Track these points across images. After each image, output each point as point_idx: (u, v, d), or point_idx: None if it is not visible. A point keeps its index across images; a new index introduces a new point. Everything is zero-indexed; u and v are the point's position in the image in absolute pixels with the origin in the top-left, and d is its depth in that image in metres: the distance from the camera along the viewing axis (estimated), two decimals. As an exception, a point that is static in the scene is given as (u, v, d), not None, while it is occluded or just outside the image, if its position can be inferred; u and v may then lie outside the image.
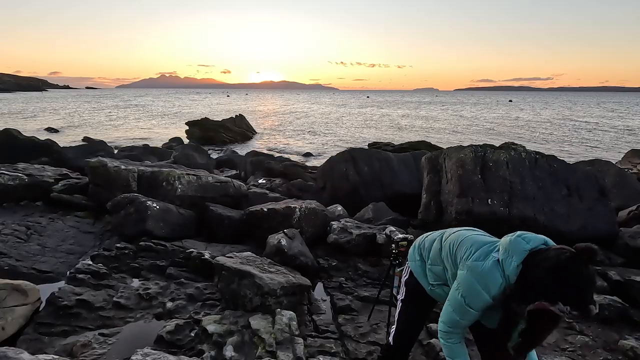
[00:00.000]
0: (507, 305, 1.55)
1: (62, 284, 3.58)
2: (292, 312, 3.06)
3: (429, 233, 2.09)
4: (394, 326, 2.12)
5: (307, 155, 18.58)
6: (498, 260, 1.59)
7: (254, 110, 56.48)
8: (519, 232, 1.63)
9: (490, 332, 1.74)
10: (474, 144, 5.31)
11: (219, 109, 56.03)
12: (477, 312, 1.64)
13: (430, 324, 3.07)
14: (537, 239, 1.57)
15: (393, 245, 3.04)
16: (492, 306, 1.61)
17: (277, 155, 15.12)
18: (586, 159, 9.82)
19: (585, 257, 1.39)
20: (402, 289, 2.11)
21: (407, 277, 2.08)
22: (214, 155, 14.25)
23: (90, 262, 3.80)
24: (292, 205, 5.04)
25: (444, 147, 8.70)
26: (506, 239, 1.63)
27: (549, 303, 1.39)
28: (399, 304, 2.11)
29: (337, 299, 3.69)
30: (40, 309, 3.13)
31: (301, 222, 4.90)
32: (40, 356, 2.21)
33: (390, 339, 2.13)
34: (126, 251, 4.18)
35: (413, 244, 2.12)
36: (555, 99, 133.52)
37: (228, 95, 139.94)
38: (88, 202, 5.72)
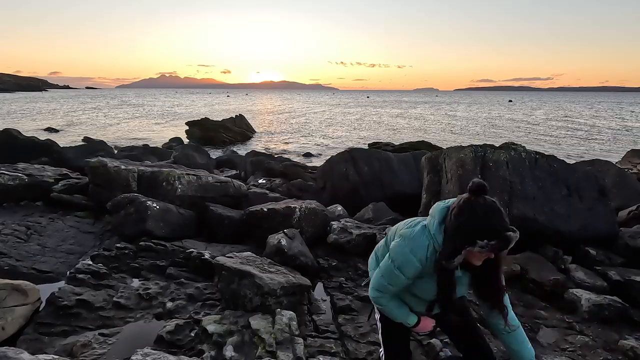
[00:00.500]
0: (439, 266, 1.57)
1: (62, 284, 3.57)
2: (292, 312, 3.06)
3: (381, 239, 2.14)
4: (382, 350, 2.07)
5: (307, 155, 18.57)
6: (425, 225, 1.65)
7: (254, 110, 56.48)
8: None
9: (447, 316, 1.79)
10: (474, 144, 5.31)
11: (219, 109, 56.04)
12: (406, 278, 1.66)
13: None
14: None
15: (393, 245, 3.04)
16: (424, 274, 1.63)
17: (277, 155, 15.13)
18: (586, 159, 9.82)
19: (474, 190, 1.46)
20: (376, 309, 2.07)
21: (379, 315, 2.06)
22: (214, 155, 14.25)
23: (90, 262, 3.80)
24: (292, 205, 5.04)
25: (444, 147, 8.70)
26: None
27: (470, 246, 1.43)
28: (379, 327, 2.07)
29: (337, 299, 3.69)
30: (40, 309, 3.13)
31: (301, 222, 4.90)
32: (40, 356, 2.21)
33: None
34: (126, 251, 4.18)
35: (370, 256, 2.18)
36: (555, 99, 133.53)
37: (228, 95, 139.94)
38: (88, 202, 5.72)
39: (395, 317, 1.85)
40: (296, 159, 14.67)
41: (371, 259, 2.15)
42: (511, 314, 1.74)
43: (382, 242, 2.10)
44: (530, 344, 1.79)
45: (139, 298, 3.42)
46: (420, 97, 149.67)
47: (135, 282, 3.69)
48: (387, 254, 1.77)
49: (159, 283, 3.66)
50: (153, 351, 2.48)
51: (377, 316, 2.09)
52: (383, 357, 2.07)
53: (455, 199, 1.60)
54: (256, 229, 4.92)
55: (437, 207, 1.64)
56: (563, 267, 4.24)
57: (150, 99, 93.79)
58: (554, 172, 4.97)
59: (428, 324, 1.87)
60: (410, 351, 2.06)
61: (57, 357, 2.29)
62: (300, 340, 2.80)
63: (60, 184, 6.05)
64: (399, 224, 1.93)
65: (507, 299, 1.73)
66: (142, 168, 5.92)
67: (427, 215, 1.68)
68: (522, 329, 1.78)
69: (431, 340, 2.93)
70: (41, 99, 76.05)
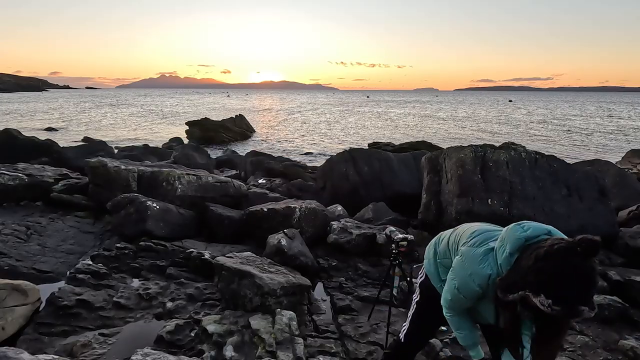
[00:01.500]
0: (495, 296, 1.42)
1: (62, 284, 3.58)
2: (292, 312, 3.06)
3: (449, 230, 1.99)
4: (406, 325, 2.10)
5: (307, 155, 18.58)
6: (493, 248, 1.49)
7: (254, 110, 56.49)
8: (524, 221, 1.49)
9: (494, 331, 1.66)
10: (474, 144, 5.31)
11: (219, 109, 56.04)
12: (468, 300, 1.58)
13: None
14: (539, 228, 1.41)
15: (393, 245, 3.04)
16: (485, 296, 1.53)
17: (277, 155, 15.12)
18: (586, 159, 9.82)
19: (583, 248, 1.19)
20: (417, 290, 2.06)
21: (422, 278, 2.02)
22: (214, 155, 14.24)
23: (90, 262, 3.80)
24: (292, 205, 5.04)
25: (444, 147, 8.71)
26: (507, 227, 1.52)
27: (532, 294, 1.24)
28: (413, 305, 2.08)
29: (337, 299, 3.69)
30: (40, 309, 3.13)
31: (301, 222, 4.90)
32: (40, 356, 2.20)
33: (402, 335, 2.11)
34: (126, 251, 4.18)
35: (430, 242, 2.04)
36: (555, 99, 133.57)
37: (228, 96, 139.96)
38: (88, 202, 5.72)
39: (461, 341, 1.78)
40: (296, 159, 14.67)
41: (429, 247, 2.03)
42: None
43: (445, 233, 1.93)
44: None
45: (139, 298, 3.42)
46: (420, 97, 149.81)
47: (135, 282, 3.69)
48: (452, 271, 1.66)
49: (159, 283, 3.66)
50: (153, 351, 2.47)
51: (416, 297, 2.06)
52: (404, 333, 2.08)
53: (538, 226, 1.41)
54: (256, 229, 4.92)
55: (513, 234, 1.42)
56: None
57: (151, 99, 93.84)
58: (554, 172, 4.97)
59: None
60: (432, 335, 2.09)
61: (57, 357, 2.29)
62: (300, 340, 2.80)
63: (60, 184, 6.05)
64: (463, 228, 1.78)
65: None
66: (142, 168, 5.92)
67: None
68: None
69: (431, 340, 2.93)
70: (41, 99, 76.09)
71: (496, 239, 1.53)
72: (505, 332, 1.49)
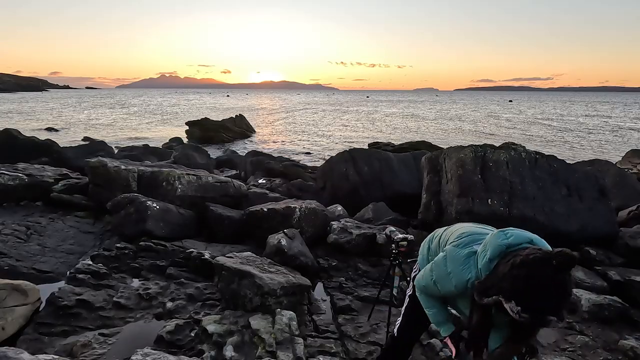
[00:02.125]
0: (471, 298, 1.46)
1: (62, 284, 3.58)
2: (292, 312, 3.06)
3: (443, 227, 2.03)
4: (400, 319, 2.14)
5: (307, 155, 18.58)
6: (476, 252, 1.52)
7: (254, 110, 56.50)
8: (508, 228, 1.51)
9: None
10: (474, 143, 5.31)
11: (219, 109, 56.04)
12: (442, 293, 1.65)
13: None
14: (521, 236, 1.44)
15: (393, 245, 3.04)
16: (463, 295, 1.58)
17: (277, 155, 15.12)
18: (586, 159, 9.82)
19: (558, 262, 1.21)
20: (411, 284, 2.09)
21: (416, 272, 2.05)
22: (214, 155, 14.24)
23: (90, 262, 3.80)
24: (292, 205, 5.04)
25: (444, 147, 8.71)
26: (492, 232, 1.54)
27: (504, 300, 1.28)
28: (407, 299, 2.12)
29: (337, 299, 3.69)
30: (40, 309, 3.13)
31: (301, 222, 4.90)
32: (40, 356, 2.20)
33: (395, 330, 2.15)
34: (126, 251, 4.18)
35: (425, 239, 2.07)
36: (555, 99, 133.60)
37: (228, 96, 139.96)
38: (88, 202, 5.72)
39: (431, 318, 1.81)
40: (296, 159, 14.67)
41: (423, 243, 2.07)
42: None
43: (441, 231, 1.96)
44: None
45: (139, 298, 3.42)
46: (420, 97, 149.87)
47: (135, 282, 3.69)
48: (431, 264, 1.72)
49: (159, 283, 3.66)
50: (153, 351, 2.48)
51: (409, 292, 2.09)
52: (397, 327, 2.12)
53: (520, 234, 1.44)
54: (256, 229, 4.92)
55: (495, 241, 1.44)
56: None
57: (151, 99, 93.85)
58: (554, 172, 4.97)
59: (453, 348, 1.76)
60: (424, 329, 2.13)
61: (57, 357, 2.29)
62: (300, 340, 2.80)
63: (60, 184, 6.05)
64: (455, 227, 1.83)
65: None
66: (142, 168, 5.92)
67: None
68: None
69: (431, 340, 2.94)
70: (41, 99, 76.10)
71: (479, 242, 1.56)
72: (474, 332, 1.53)
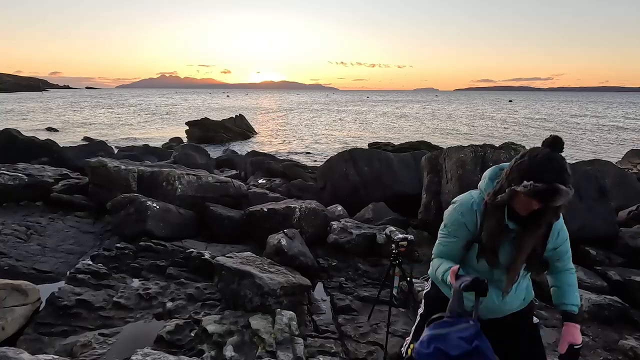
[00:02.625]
0: (484, 205, 1.58)
1: (62, 284, 3.57)
2: (292, 312, 3.06)
3: None
4: (409, 338, 2.02)
5: (307, 155, 18.59)
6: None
7: (254, 110, 56.50)
8: None
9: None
10: (474, 144, 5.31)
11: (218, 109, 56.05)
12: (456, 239, 1.67)
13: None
14: None
15: (393, 245, 3.04)
16: (475, 240, 1.62)
17: (277, 155, 15.12)
18: (586, 159, 9.82)
19: (549, 142, 1.45)
20: (422, 302, 1.99)
21: (427, 289, 1.96)
22: (214, 155, 14.24)
23: (90, 262, 3.80)
24: (292, 205, 5.04)
25: (444, 147, 8.70)
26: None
27: (516, 186, 1.42)
28: (418, 319, 1.99)
29: (337, 299, 3.69)
30: (40, 309, 3.13)
31: (301, 222, 4.90)
32: (40, 356, 2.21)
33: (404, 350, 2.04)
34: (126, 251, 4.18)
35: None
36: (555, 99, 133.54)
37: (228, 96, 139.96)
38: (88, 202, 5.72)
39: (439, 274, 1.71)
40: (296, 159, 14.67)
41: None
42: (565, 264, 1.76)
43: None
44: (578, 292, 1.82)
45: (139, 298, 3.41)
46: (420, 97, 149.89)
47: (135, 282, 3.69)
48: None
49: (159, 283, 3.66)
50: (153, 351, 2.47)
51: (421, 310, 2.00)
52: (407, 346, 2.04)
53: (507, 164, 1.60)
54: (256, 229, 4.92)
55: (490, 169, 1.68)
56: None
57: (151, 99, 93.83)
58: (554, 172, 4.97)
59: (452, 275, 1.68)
60: None
61: (57, 357, 2.30)
62: (300, 340, 2.80)
63: (60, 184, 6.05)
64: None
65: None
66: (142, 168, 5.92)
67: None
68: (575, 276, 1.82)
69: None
70: (41, 99, 76.08)
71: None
72: (487, 243, 1.59)
